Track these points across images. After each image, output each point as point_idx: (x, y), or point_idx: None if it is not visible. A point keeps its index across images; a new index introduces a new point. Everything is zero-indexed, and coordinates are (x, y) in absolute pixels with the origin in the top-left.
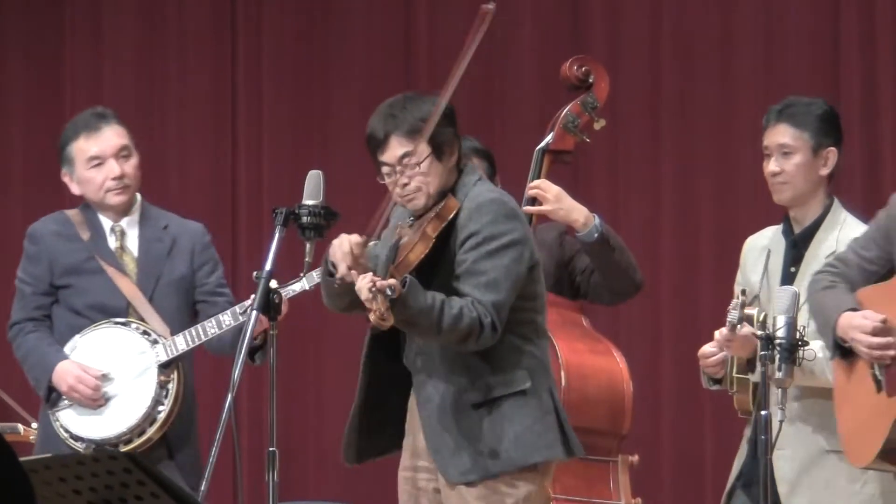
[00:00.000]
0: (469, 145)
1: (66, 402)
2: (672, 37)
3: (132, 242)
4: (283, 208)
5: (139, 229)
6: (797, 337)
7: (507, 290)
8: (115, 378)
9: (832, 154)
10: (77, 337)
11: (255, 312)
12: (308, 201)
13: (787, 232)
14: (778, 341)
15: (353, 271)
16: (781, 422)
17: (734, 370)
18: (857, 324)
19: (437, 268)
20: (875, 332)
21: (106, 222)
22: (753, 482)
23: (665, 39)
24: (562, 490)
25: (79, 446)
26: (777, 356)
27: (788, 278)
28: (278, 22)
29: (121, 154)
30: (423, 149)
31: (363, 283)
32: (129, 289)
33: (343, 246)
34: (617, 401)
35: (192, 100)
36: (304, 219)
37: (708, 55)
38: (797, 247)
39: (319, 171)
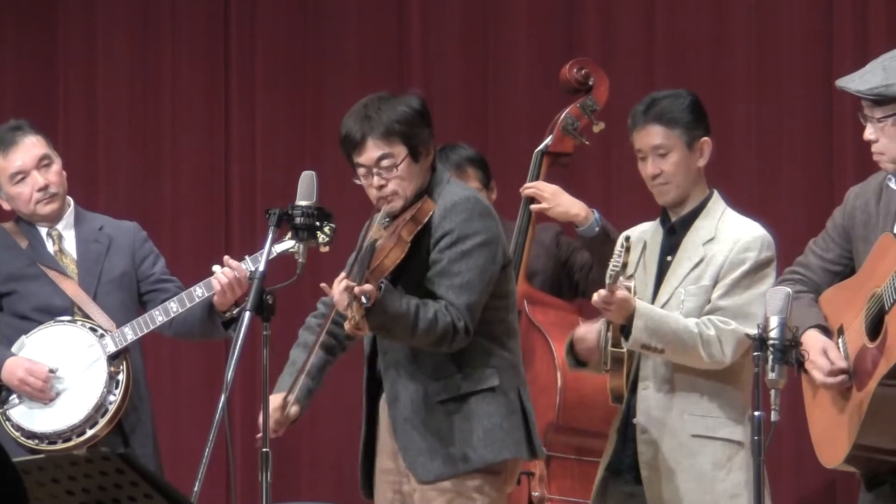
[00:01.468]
0: (463, 154)
1: (16, 399)
2: (665, 39)
3: (70, 245)
4: (276, 209)
5: (75, 231)
6: (790, 338)
7: (481, 291)
8: (64, 371)
9: (706, 144)
10: (23, 337)
11: (247, 313)
12: (301, 202)
13: (665, 221)
14: (771, 342)
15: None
16: (775, 422)
17: (609, 344)
18: (814, 359)
19: (407, 266)
20: (832, 375)
21: (42, 229)
22: (622, 470)
23: (658, 41)
24: (558, 490)
25: (31, 444)
26: (770, 357)
27: (663, 267)
28: (272, 22)
29: (41, 164)
30: (400, 151)
31: (339, 287)
32: (72, 289)
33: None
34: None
35: (186, 100)
36: (298, 219)
37: (701, 57)
38: (674, 234)
39: (313, 172)
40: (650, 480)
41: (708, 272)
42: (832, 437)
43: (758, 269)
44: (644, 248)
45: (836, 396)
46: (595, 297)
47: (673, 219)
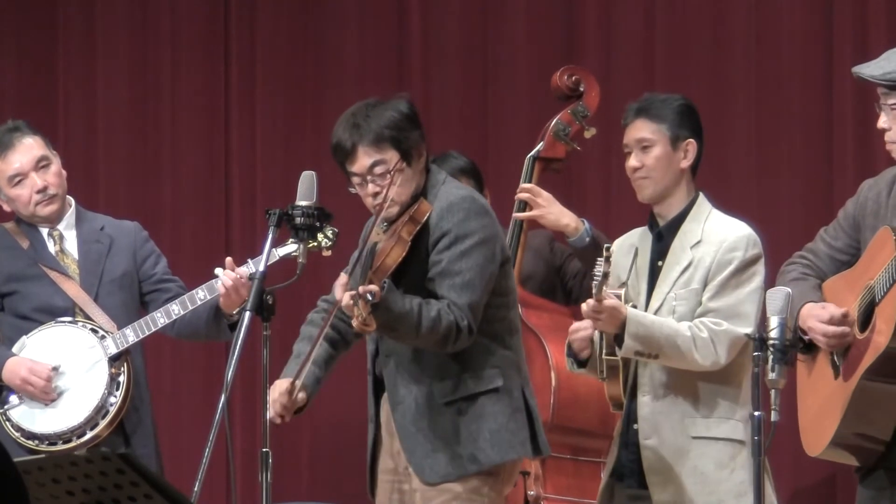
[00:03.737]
0: (455, 164)
1: (16, 400)
2: (665, 39)
3: (71, 245)
4: (276, 209)
5: (76, 232)
6: (789, 337)
7: (482, 290)
8: (66, 372)
9: (692, 146)
10: (24, 337)
11: (247, 313)
12: (301, 202)
13: (653, 225)
14: (771, 342)
15: (284, 417)
16: (775, 423)
17: (603, 353)
18: (816, 313)
19: (408, 268)
20: (832, 322)
21: (43, 229)
22: (625, 475)
23: (658, 41)
24: (553, 490)
25: (31, 444)
26: (770, 357)
27: (655, 272)
28: (272, 23)
29: (40, 165)
30: (392, 156)
31: (344, 294)
32: (73, 290)
33: (274, 393)
34: (607, 402)
35: (186, 100)
36: (298, 220)
37: (701, 57)
38: (662, 239)
39: (313, 172)
40: (655, 485)
41: (697, 275)
42: (818, 426)
43: (745, 267)
44: (636, 254)
45: (825, 386)
46: (584, 307)
47: (661, 223)
